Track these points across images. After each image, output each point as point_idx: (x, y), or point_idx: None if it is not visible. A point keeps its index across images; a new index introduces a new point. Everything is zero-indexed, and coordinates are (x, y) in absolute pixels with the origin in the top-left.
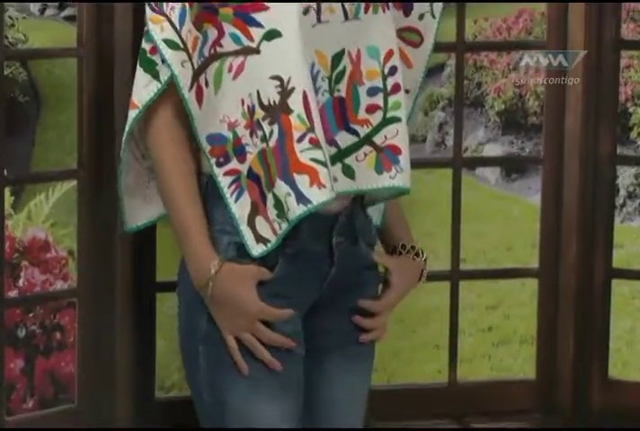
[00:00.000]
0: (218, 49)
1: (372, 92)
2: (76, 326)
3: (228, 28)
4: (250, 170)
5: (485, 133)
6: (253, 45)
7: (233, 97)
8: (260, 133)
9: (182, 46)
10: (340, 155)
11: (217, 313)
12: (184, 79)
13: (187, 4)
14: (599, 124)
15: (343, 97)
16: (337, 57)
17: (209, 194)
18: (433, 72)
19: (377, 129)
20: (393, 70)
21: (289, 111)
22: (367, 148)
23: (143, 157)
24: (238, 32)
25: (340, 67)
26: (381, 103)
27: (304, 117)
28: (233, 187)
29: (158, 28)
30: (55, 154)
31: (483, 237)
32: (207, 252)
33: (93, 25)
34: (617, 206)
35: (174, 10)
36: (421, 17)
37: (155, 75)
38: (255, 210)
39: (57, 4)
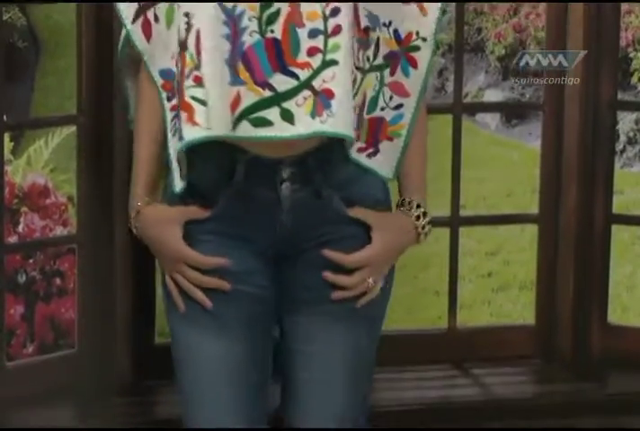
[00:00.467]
0: None
1: (313, 34)
2: (76, 272)
3: None
4: (177, 105)
5: (486, 78)
6: None
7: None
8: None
9: None
10: (277, 99)
11: (154, 252)
12: (126, 12)
13: None
14: (599, 69)
15: (278, 39)
16: None
17: None
18: None
19: (316, 73)
20: (335, 11)
21: (185, 48)
22: (306, 93)
23: None
24: None
25: (272, 9)
26: (321, 46)
27: (194, 54)
28: (172, 123)
29: None
30: (54, 100)
31: (483, 183)
32: (138, 192)
33: None
34: (617, 151)
35: None
36: None
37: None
38: None
39: None
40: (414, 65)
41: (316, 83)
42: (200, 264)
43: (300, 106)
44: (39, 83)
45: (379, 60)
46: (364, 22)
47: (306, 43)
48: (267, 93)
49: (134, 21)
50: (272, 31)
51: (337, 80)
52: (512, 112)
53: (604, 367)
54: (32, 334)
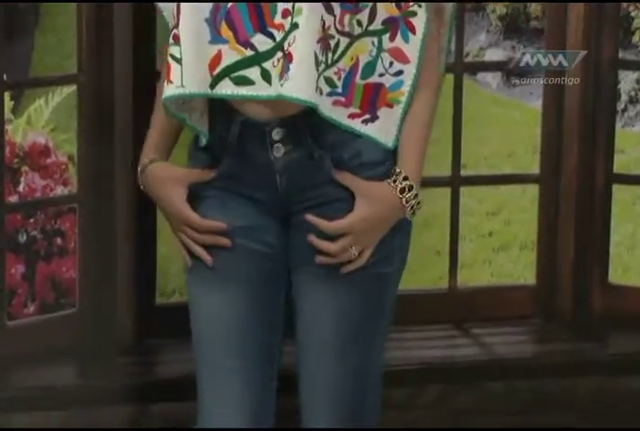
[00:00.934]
0: None
1: None
2: (77, 231)
3: None
4: None
5: (487, 37)
6: None
7: None
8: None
9: None
10: (257, 59)
11: (160, 209)
12: None
13: None
14: (601, 28)
15: None
16: None
17: None
18: None
19: (286, 35)
20: None
21: (177, 8)
22: (279, 54)
23: None
24: None
25: None
26: (290, 8)
27: (175, 13)
28: None
29: None
30: (54, 59)
31: (484, 143)
32: (146, 149)
33: None
34: (619, 110)
35: None
36: None
37: None
38: None
39: None
40: (413, 31)
41: (286, 46)
42: (199, 226)
43: (275, 67)
44: (38, 42)
45: (377, 25)
46: None
47: (282, 5)
48: (249, 53)
49: None
50: None
51: (297, 44)
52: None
53: (604, 327)
54: (33, 293)
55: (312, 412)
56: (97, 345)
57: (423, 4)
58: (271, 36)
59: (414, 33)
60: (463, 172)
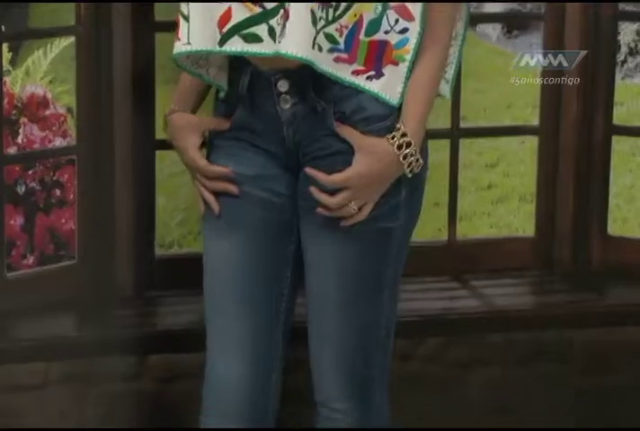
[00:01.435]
0: None
1: None
2: (76, 183)
3: None
4: None
5: None
6: None
7: None
8: None
9: None
10: (265, 16)
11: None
12: None
13: None
14: None
15: None
16: None
17: None
18: None
19: None
20: None
21: None
22: (282, 12)
23: None
24: None
25: None
26: None
27: None
28: None
29: None
30: (53, 10)
31: (483, 94)
32: (174, 100)
33: None
34: (618, 62)
35: None
36: None
37: None
38: None
39: None
40: None
41: (286, 4)
42: (206, 172)
43: (279, 25)
44: None
45: None
46: None
47: None
48: (257, 10)
49: None
50: None
51: (295, 2)
52: (513, 23)
53: (603, 279)
54: (32, 245)
55: (318, 365)
56: (96, 296)
57: None
58: None
59: None
60: (462, 124)
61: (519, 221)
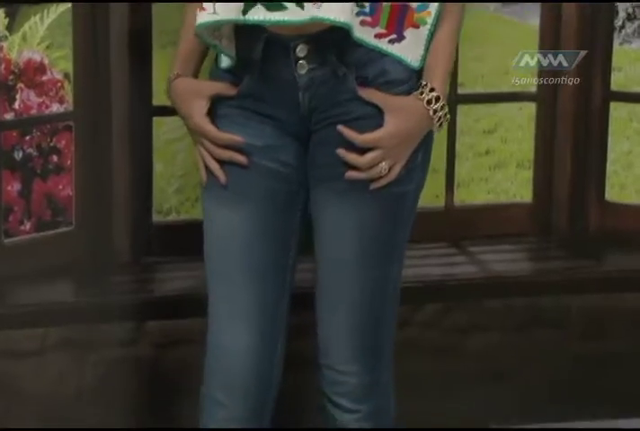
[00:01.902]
0: None
1: None
2: (73, 149)
3: None
4: None
5: None
6: None
7: None
8: None
9: None
10: None
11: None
12: None
13: None
14: None
15: None
16: None
17: None
18: None
19: None
20: None
21: None
22: None
23: None
24: None
25: None
26: None
27: None
28: None
29: None
30: None
31: (481, 61)
32: (175, 64)
33: None
34: (616, 27)
35: None
36: None
37: None
38: None
39: None
40: None
41: None
42: (215, 139)
43: None
44: None
45: None
46: None
47: None
48: None
49: None
50: None
51: None
52: None
53: (601, 245)
54: (30, 211)
55: (329, 328)
56: (94, 262)
57: None
58: None
59: None
60: (460, 91)
61: (516, 187)
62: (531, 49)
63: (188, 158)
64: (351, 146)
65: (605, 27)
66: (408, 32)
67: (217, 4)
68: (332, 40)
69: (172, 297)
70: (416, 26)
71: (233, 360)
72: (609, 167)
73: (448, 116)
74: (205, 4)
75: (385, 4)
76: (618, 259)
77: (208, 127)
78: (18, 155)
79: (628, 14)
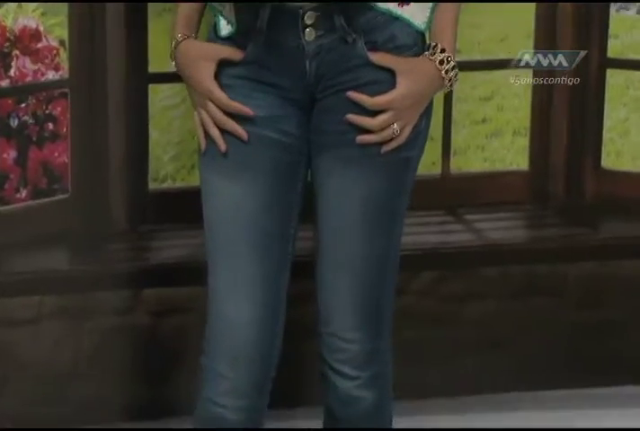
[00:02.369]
0: None
1: None
2: (69, 116)
3: None
4: None
5: None
6: None
7: None
8: None
9: None
10: None
11: (187, 88)
12: None
13: None
14: None
15: None
16: None
17: None
18: None
19: None
20: None
21: None
22: None
23: None
24: None
25: None
26: None
27: None
28: None
29: None
30: None
31: (477, 28)
32: (178, 27)
33: None
34: None
35: None
36: None
37: None
38: None
39: None
40: None
41: None
42: (224, 105)
43: None
44: None
45: None
46: None
47: None
48: None
49: None
50: None
51: None
52: None
53: (597, 212)
54: (25, 179)
55: (331, 295)
56: (90, 230)
57: None
58: None
59: None
60: (457, 57)
61: (513, 155)
62: (527, 17)
63: (184, 125)
64: (360, 113)
65: None
66: None
67: None
68: (340, 6)
69: (168, 265)
70: None
71: (237, 331)
72: (606, 134)
73: (459, 76)
74: None
75: None
76: (615, 227)
77: (219, 93)
78: (14, 123)
79: None
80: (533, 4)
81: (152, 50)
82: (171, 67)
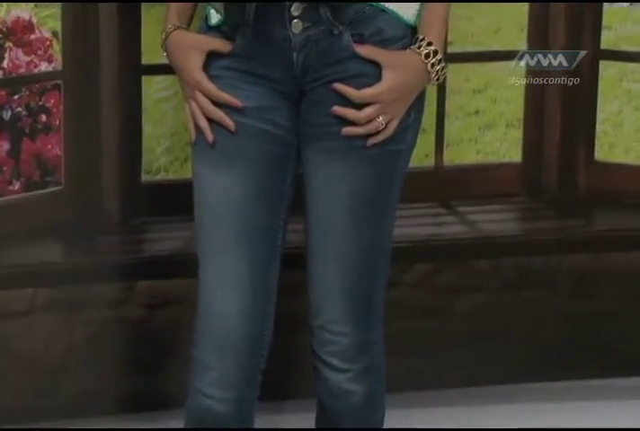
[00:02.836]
0: None
1: None
2: (62, 109)
3: None
4: None
5: None
6: None
7: None
8: None
9: None
10: None
11: (178, 80)
12: None
13: None
14: None
15: None
16: None
17: None
18: None
19: None
20: None
21: None
22: None
23: None
24: None
25: None
26: None
27: None
28: None
29: None
30: None
31: (470, 20)
32: (169, 18)
33: None
34: None
35: None
36: None
37: None
38: None
39: None
40: None
41: None
42: (213, 96)
43: None
44: None
45: None
46: None
47: None
48: None
49: None
50: None
51: None
52: None
53: (590, 204)
54: (19, 171)
55: (322, 288)
56: (83, 222)
57: None
58: None
59: None
60: (450, 50)
61: (506, 147)
62: (521, 8)
63: (177, 117)
64: (346, 105)
65: None
66: None
67: None
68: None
69: (161, 257)
70: None
71: (224, 322)
72: (599, 127)
73: (446, 70)
74: None
75: None
76: (608, 219)
77: (207, 84)
78: (6, 115)
79: None
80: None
81: (145, 42)
82: (164, 59)
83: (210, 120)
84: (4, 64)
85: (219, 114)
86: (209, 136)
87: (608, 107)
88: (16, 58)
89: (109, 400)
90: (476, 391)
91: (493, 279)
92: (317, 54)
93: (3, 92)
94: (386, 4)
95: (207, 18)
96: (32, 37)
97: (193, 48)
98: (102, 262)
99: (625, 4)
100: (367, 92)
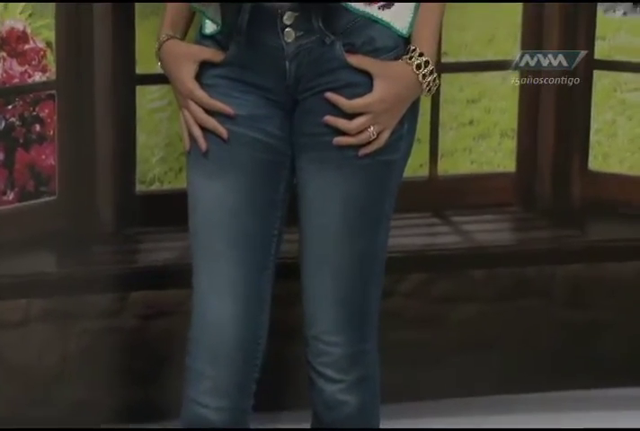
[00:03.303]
0: None
1: None
2: (56, 118)
3: None
4: None
5: None
6: None
7: None
8: None
9: None
10: None
11: (173, 89)
12: None
13: None
14: None
15: None
16: None
17: None
18: None
19: None
20: None
21: None
22: None
23: None
24: None
25: None
26: None
27: None
28: None
29: None
30: None
31: (464, 29)
32: (163, 27)
33: None
34: None
35: None
36: None
37: None
38: None
39: None
40: None
41: None
42: (205, 104)
43: None
44: None
45: None
46: None
47: None
48: None
49: None
50: None
51: None
52: None
53: (584, 214)
54: (13, 181)
55: (315, 298)
56: (77, 233)
57: None
58: None
59: None
60: (443, 60)
61: (500, 157)
62: (514, 19)
63: (172, 128)
64: (338, 115)
65: None
66: None
67: None
68: (318, 8)
69: (155, 267)
70: None
71: (217, 330)
72: (593, 137)
73: (438, 81)
74: None
75: None
76: (602, 229)
77: (199, 92)
78: (0, 125)
79: None
80: (520, 6)
81: (139, 52)
82: (158, 69)
83: (204, 129)
84: None
85: (212, 122)
86: (203, 144)
87: (602, 117)
88: (10, 68)
89: (103, 411)
90: (472, 401)
91: (488, 289)
92: (309, 63)
93: None
94: (379, 15)
95: (201, 27)
96: (26, 47)
97: (186, 57)
98: (96, 272)
99: (617, 14)
100: (358, 102)
